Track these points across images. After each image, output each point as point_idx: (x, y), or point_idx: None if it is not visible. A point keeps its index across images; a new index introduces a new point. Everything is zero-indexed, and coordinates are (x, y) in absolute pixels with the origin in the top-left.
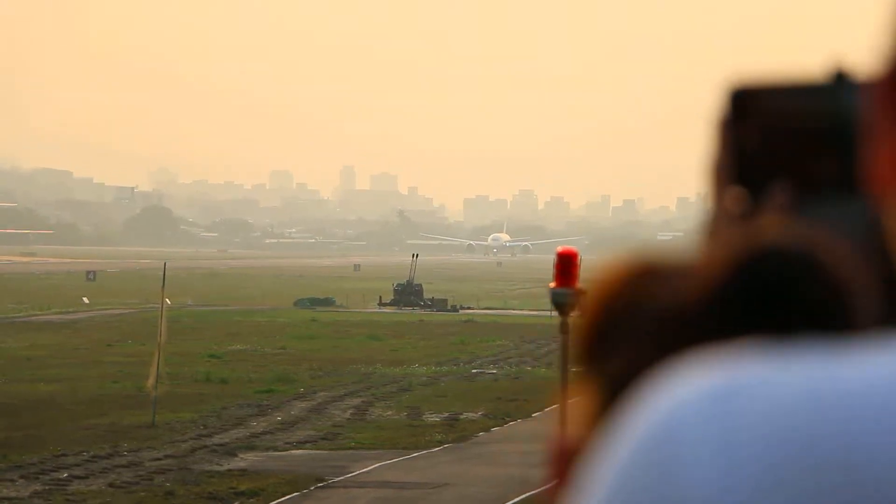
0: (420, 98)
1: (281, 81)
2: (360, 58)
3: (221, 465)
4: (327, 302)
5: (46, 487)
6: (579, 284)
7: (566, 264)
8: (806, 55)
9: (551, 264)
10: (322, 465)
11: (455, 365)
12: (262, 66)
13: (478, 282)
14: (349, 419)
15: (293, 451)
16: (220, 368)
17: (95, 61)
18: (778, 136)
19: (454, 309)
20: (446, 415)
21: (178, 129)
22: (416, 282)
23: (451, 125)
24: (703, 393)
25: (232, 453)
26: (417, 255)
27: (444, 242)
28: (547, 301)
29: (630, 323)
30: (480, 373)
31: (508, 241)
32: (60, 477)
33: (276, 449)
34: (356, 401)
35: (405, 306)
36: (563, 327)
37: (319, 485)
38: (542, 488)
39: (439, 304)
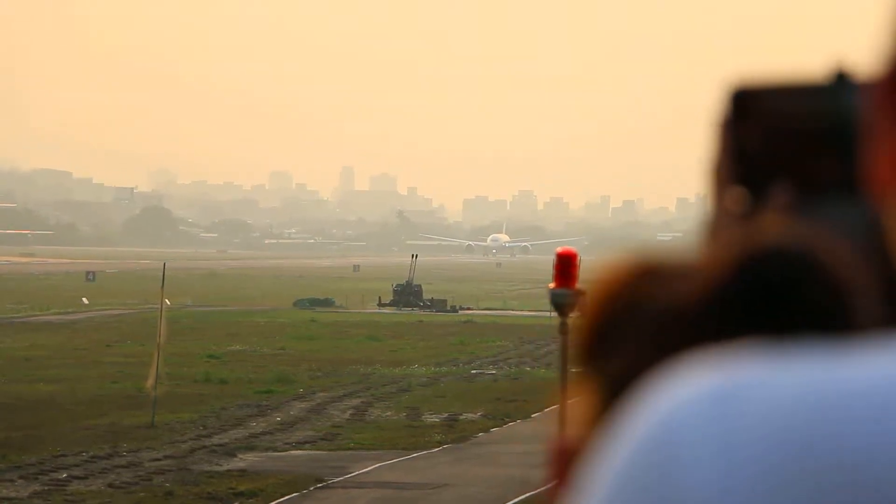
0: (420, 98)
1: (281, 81)
2: (360, 58)
3: (221, 466)
4: (327, 302)
5: (46, 488)
6: (579, 285)
7: (566, 265)
8: (807, 56)
9: (551, 265)
10: (321, 465)
11: (454, 365)
12: (262, 66)
13: (477, 282)
14: (348, 420)
15: (292, 452)
16: (220, 369)
17: (95, 61)
18: (779, 136)
19: (453, 309)
20: (446, 415)
21: (177, 130)
22: (415, 282)
23: (451, 125)
24: (702, 394)
25: (231, 454)
26: (417, 256)
27: (443, 243)
28: (546, 301)
29: (630, 324)
30: (480, 373)
31: (508, 242)
32: (60, 477)
33: (275, 449)
34: (355, 401)
35: (404, 307)
36: (563, 328)
37: (319, 485)
38: (542, 489)
39: (439, 305)
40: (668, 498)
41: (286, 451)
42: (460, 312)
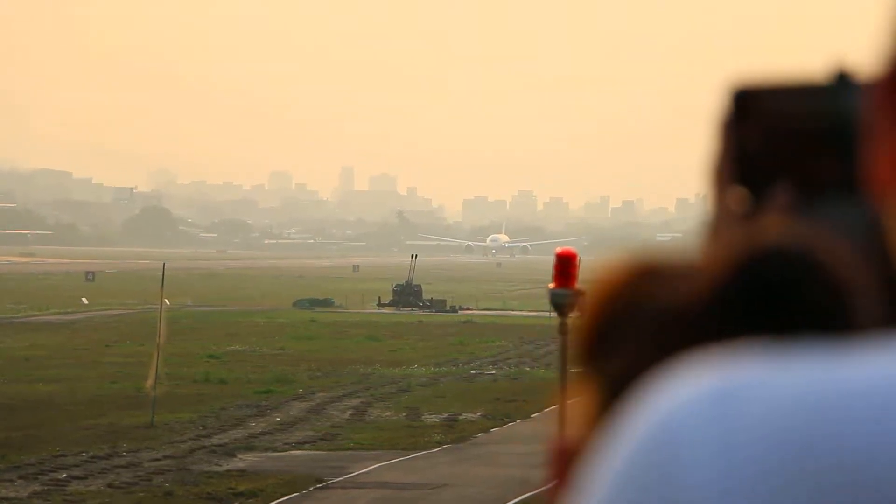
0: (420, 98)
1: (281, 81)
2: (360, 58)
3: (220, 466)
4: (326, 303)
5: (45, 488)
6: (578, 285)
7: (565, 265)
8: (807, 56)
9: (550, 265)
10: (321, 465)
11: (454, 366)
12: (262, 66)
13: (477, 282)
14: (348, 420)
15: (292, 452)
16: (219, 369)
17: (95, 61)
18: (780, 136)
19: (453, 310)
20: (445, 415)
21: (177, 130)
22: (415, 282)
23: (451, 126)
24: (702, 394)
25: (231, 454)
26: (416, 256)
27: (442, 243)
28: (546, 302)
29: (630, 324)
30: (479, 373)
31: (507, 242)
32: (59, 477)
33: (274, 449)
34: (355, 401)
35: (404, 307)
36: (563, 328)
37: (318, 485)
38: (542, 489)
39: (438, 305)
40: (668, 498)
41: (286, 451)
42: (460, 312)
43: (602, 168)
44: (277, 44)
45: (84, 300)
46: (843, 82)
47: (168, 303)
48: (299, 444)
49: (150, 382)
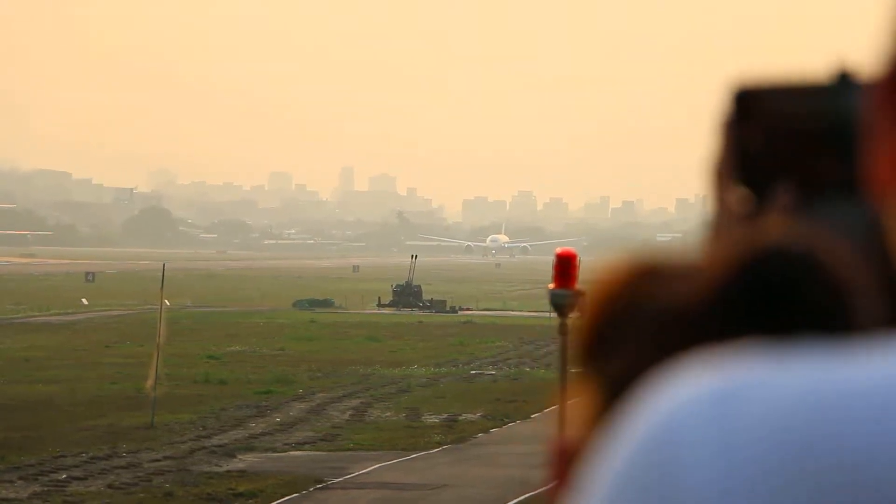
0: (420, 98)
1: (281, 81)
2: (361, 58)
3: (220, 467)
4: (326, 303)
5: (45, 488)
6: (578, 285)
7: (565, 265)
8: (808, 56)
9: (550, 266)
10: (321, 466)
11: (454, 366)
12: (262, 66)
13: (477, 283)
14: (348, 420)
15: (292, 453)
16: (219, 369)
17: (95, 61)
18: (781, 136)
19: (453, 310)
20: (445, 416)
21: (177, 130)
22: (414, 283)
23: (451, 126)
24: (703, 395)
25: (231, 454)
26: (416, 257)
27: (442, 243)
28: (546, 302)
29: (630, 324)
30: (479, 374)
31: (507, 243)
32: (59, 478)
33: (274, 450)
34: (355, 402)
35: (404, 307)
36: (563, 328)
37: (318, 486)
38: (542, 489)
39: (438, 306)
40: (668, 498)
41: (286, 451)
42: (460, 313)
43: (602, 168)
44: (277, 44)
45: (84, 301)
46: (843, 82)
47: (168, 303)
48: (299, 445)
49: (149, 383)
